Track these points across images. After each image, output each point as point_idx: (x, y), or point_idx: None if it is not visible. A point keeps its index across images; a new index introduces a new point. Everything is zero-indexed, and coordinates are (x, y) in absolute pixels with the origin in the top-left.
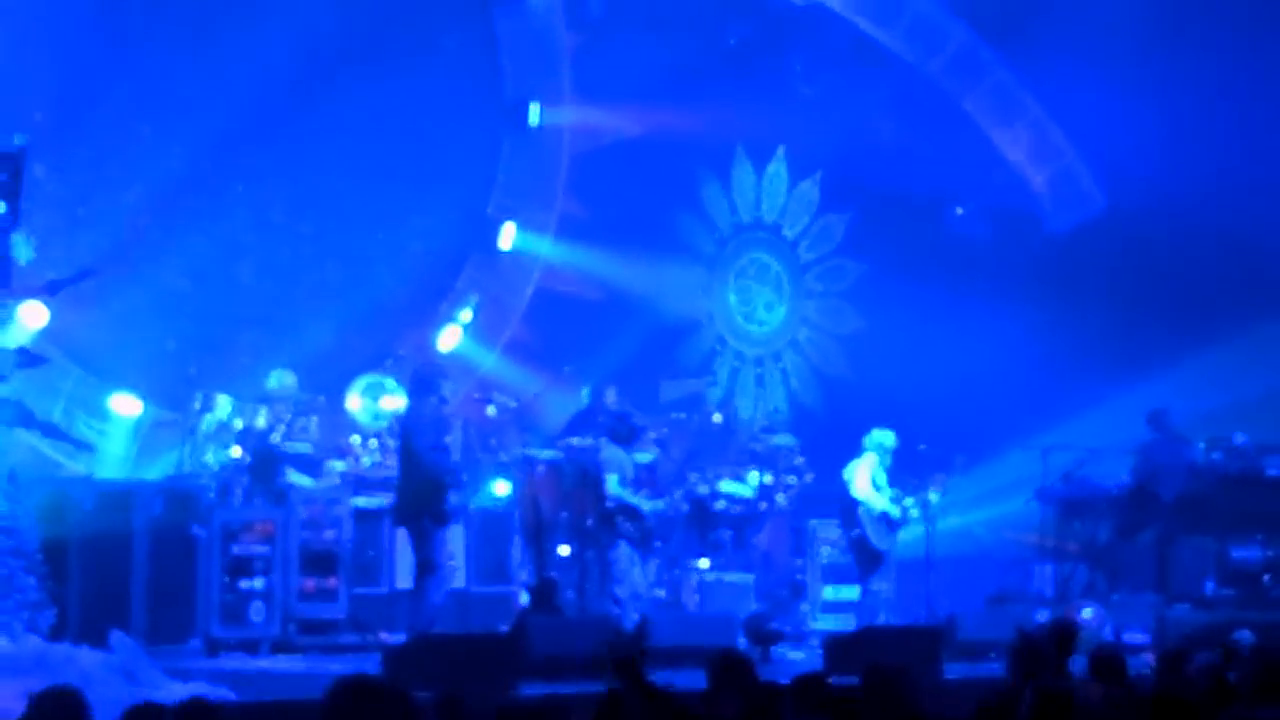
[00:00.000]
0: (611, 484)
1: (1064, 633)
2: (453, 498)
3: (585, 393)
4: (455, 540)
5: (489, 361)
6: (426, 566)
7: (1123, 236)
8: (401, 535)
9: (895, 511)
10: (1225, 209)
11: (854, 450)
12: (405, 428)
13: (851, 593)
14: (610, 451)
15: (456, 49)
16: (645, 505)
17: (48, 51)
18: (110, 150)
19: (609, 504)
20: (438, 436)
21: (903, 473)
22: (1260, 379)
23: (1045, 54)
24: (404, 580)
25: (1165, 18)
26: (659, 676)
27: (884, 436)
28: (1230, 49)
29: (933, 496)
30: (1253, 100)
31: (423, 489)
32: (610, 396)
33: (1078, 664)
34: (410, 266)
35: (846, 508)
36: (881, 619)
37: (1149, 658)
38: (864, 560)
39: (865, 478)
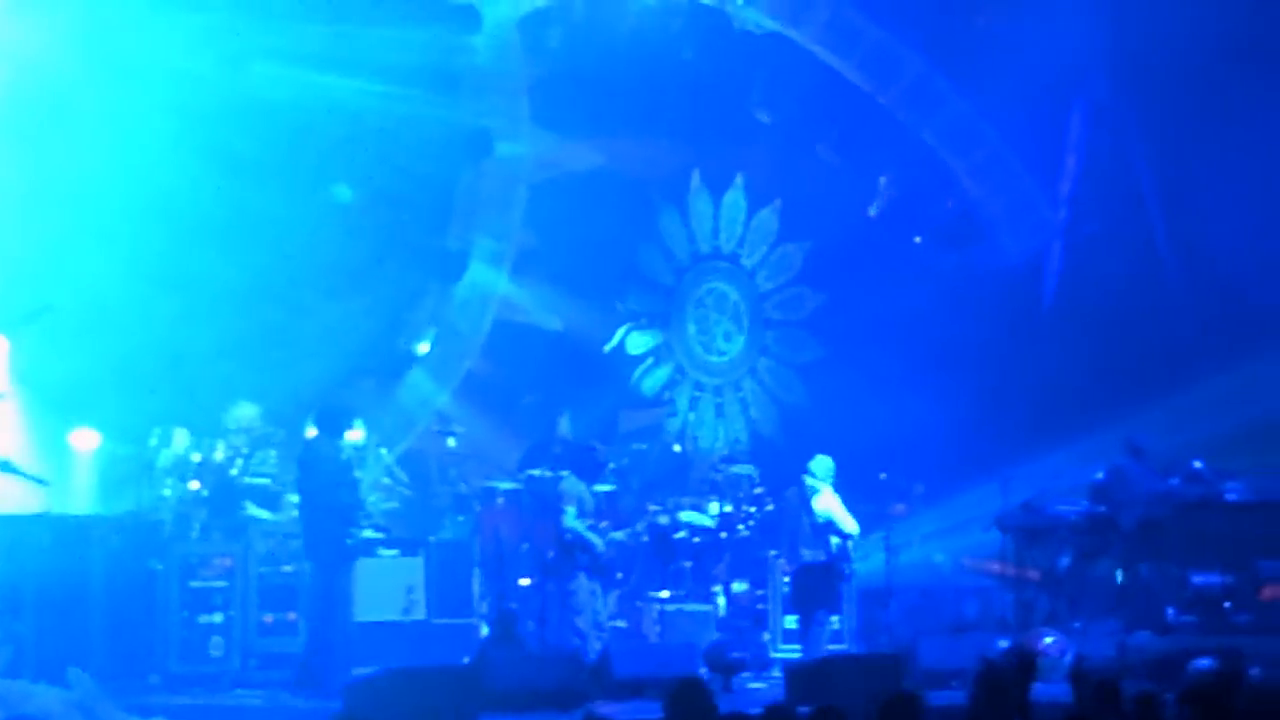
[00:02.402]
0: (569, 516)
1: (1024, 660)
2: (355, 533)
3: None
4: (415, 572)
5: (447, 393)
6: (328, 601)
7: (1083, 267)
8: (360, 567)
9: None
10: (1188, 238)
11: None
12: (302, 464)
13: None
14: (569, 483)
15: (415, 79)
16: (599, 542)
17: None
18: (73, 186)
19: (567, 536)
20: (339, 473)
21: (864, 502)
22: (1232, 416)
23: (1002, 82)
24: (363, 613)
25: (1122, 46)
26: (620, 707)
27: (830, 463)
28: (1193, 77)
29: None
30: (1222, 129)
31: (323, 525)
32: (563, 425)
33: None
34: (369, 298)
35: (826, 538)
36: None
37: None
38: (834, 592)
39: (846, 513)
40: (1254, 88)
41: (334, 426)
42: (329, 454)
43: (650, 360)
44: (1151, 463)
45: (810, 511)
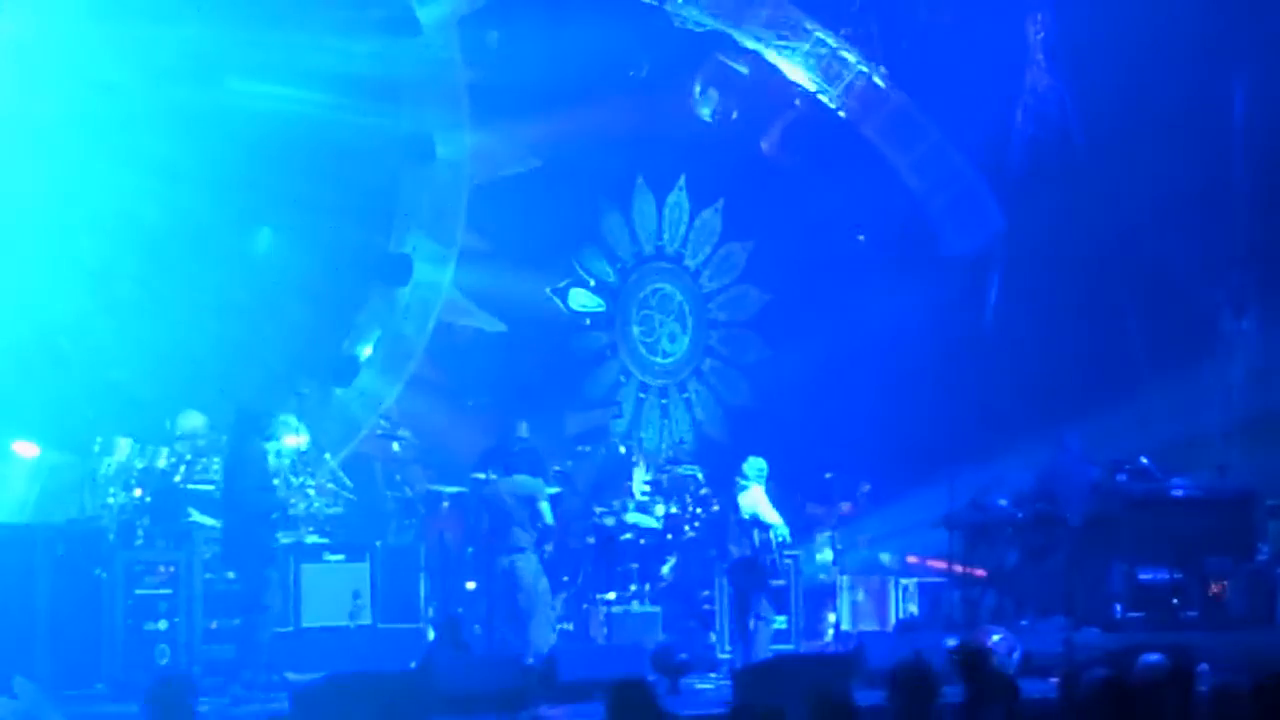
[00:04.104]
0: (547, 513)
1: (971, 655)
2: (281, 536)
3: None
4: (362, 577)
5: (392, 397)
6: (254, 605)
7: (1028, 265)
8: (307, 571)
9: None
10: (1131, 238)
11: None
12: (227, 468)
13: None
14: (533, 483)
15: (355, 83)
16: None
17: None
18: (10, 198)
19: (538, 528)
20: (262, 476)
21: (810, 500)
22: (1181, 420)
23: (945, 78)
24: (310, 618)
25: (1066, 41)
26: (566, 710)
27: (762, 464)
28: (1134, 70)
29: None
30: (1167, 125)
31: (248, 528)
32: (522, 430)
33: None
34: (312, 303)
35: (751, 533)
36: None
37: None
38: (766, 586)
39: (770, 508)
40: (1200, 86)
41: (256, 430)
42: (254, 457)
43: (595, 361)
44: (1077, 451)
45: (736, 509)
